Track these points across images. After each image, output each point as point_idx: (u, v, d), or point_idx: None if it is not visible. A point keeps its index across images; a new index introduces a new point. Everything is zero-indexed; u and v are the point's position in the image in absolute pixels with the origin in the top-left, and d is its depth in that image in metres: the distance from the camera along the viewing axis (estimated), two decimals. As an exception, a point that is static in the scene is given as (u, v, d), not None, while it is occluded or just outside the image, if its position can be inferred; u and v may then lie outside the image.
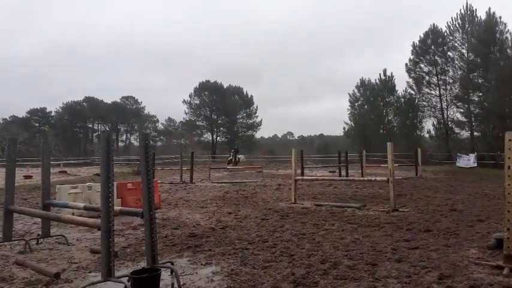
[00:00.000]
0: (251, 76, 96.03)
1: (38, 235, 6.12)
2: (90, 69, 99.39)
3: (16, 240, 5.94)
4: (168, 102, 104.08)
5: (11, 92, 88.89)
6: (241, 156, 29.61)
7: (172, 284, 4.05)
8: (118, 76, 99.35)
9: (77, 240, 6.20)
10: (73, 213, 7.34)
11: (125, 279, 3.72)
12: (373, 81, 44.67)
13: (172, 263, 4.44)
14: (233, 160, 27.53)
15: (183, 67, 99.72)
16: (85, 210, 6.38)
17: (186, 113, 57.12)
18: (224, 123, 57.03)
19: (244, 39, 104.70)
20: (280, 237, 6.08)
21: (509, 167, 4.31)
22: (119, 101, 66.26)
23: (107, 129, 62.90)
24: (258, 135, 61.21)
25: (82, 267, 4.71)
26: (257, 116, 57.63)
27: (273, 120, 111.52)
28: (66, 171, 26.73)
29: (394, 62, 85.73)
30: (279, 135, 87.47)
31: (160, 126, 67.98)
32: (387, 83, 43.31)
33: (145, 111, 68.24)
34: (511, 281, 3.88)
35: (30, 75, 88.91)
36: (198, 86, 56.93)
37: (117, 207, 4.88)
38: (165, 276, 4.23)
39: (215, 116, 56.66)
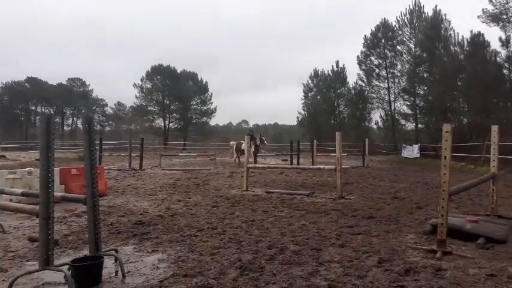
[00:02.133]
0: (207, 63, 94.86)
1: (-30, 223, 5.71)
2: (38, 51, 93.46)
3: None
4: (118, 86, 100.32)
5: None
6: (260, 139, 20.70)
7: (116, 272, 3.95)
8: (67, 59, 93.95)
9: (14, 228, 5.85)
10: (11, 200, 6.92)
11: (65, 268, 3.57)
12: (326, 72, 45.76)
13: (116, 251, 4.33)
14: (252, 150, 19.08)
15: (137, 51, 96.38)
16: (23, 197, 6.02)
17: (137, 97, 55.25)
18: (177, 109, 55.81)
19: (203, 26, 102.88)
20: (229, 224, 6.11)
21: (445, 157, 4.58)
22: (65, 83, 62.74)
23: (52, 112, 59.43)
24: (213, 122, 60.62)
25: (19, 255, 4.47)
26: (212, 103, 56.94)
27: (229, 107, 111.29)
28: (4, 156, 25.03)
29: (347, 54, 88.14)
30: (234, 123, 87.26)
31: (109, 110, 65.23)
32: (339, 74, 44.50)
33: (94, 95, 65.22)
34: (443, 263, 4.15)
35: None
36: (150, 70, 55.20)
37: (58, 193, 4.66)
38: (109, 264, 4.12)
39: (168, 101, 55.32)
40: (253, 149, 19.35)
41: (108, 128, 63.21)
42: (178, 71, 56.33)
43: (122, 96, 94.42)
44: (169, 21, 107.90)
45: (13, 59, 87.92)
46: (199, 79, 57.21)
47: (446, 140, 4.56)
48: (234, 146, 22.14)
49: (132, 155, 18.15)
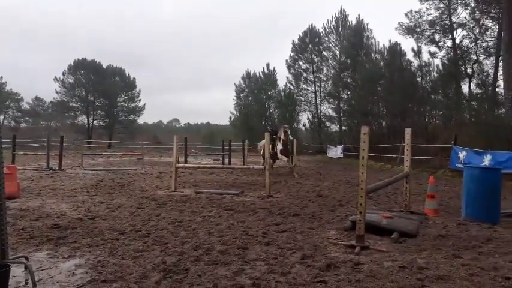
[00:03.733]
0: (137, 60, 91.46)
1: None
2: None
3: None
4: (36, 80, 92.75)
5: None
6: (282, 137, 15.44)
7: (26, 281, 3.62)
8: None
9: None
10: None
11: (-38, 280, 3.19)
12: (257, 74, 46.50)
13: (26, 258, 3.97)
14: (279, 148, 15.35)
15: (58, 44, 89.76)
16: None
17: (57, 93, 51.53)
18: (102, 105, 53.02)
19: (134, 22, 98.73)
20: (155, 226, 5.91)
21: (363, 157, 4.85)
22: (-28, 75, 56.42)
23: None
24: (141, 120, 58.62)
25: None
26: (140, 100, 55.02)
27: (159, 106, 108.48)
28: None
29: (278, 57, 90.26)
30: (165, 122, 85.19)
31: (25, 105, 60.00)
32: (270, 76, 45.49)
33: (8, 88, 59.51)
34: (361, 258, 4.39)
35: None
36: (72, 64, 51.79)
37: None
38: (18, 272, 3.77)
39: (92, 98, 52.31)
40: (280, 146, 15.75)
41: (24, 125, 58.16)
42: (104, 66, 53.64)
43: (40, 90, 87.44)
44: (99, 13, 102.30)
45: None
46: (127, 75, 55.05)
47: (364, 142, 4.83)
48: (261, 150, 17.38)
49: (51, 154, 16.89)
